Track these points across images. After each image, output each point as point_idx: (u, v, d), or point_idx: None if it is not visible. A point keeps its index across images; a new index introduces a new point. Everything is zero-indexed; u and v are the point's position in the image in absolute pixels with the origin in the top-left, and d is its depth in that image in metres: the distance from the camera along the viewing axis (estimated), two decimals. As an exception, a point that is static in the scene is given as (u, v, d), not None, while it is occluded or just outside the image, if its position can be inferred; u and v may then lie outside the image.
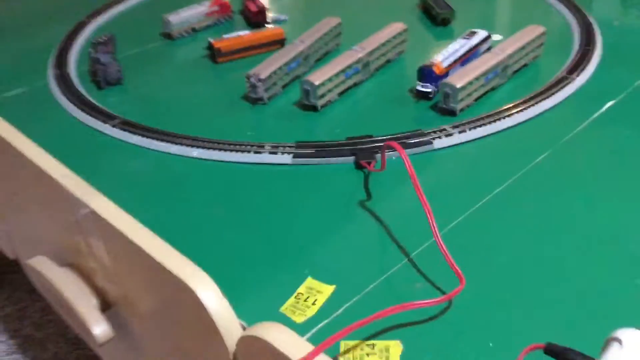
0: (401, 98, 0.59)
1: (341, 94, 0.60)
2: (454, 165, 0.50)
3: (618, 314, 0.35)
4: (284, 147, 0.52)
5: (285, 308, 0.37)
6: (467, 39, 0.62)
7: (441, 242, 0.37)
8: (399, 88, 0.61)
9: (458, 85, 0.54)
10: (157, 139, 0.54)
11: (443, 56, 0.59)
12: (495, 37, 0.66)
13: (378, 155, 0.49)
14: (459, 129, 0.52)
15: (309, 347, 0.30)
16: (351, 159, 0.50)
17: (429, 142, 0.51)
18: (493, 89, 0.59)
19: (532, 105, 0.55)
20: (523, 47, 0.60)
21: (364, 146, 0.51)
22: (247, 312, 0.36)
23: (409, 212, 0.44)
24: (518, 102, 0.56)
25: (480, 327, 0.35)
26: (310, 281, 0.39)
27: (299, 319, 0.36)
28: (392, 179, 0.48)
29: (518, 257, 0.40)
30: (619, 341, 0.28)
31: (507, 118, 0.54)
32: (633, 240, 0.41)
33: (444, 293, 0.37)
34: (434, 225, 0.38)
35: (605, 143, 0.51)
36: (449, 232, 0.42)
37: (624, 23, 0.73)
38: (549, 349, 0.30)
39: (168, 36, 0.75)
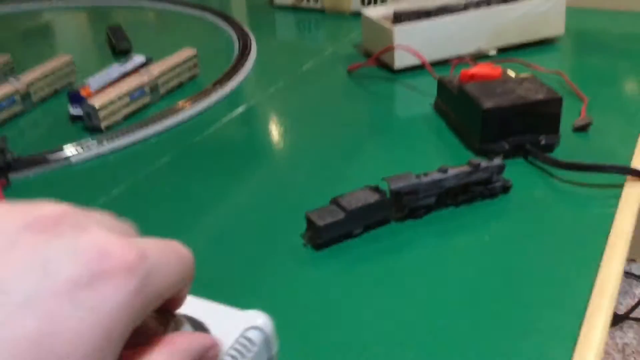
0: (60, 122, 0.64)
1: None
2: (90, 176, 0.55)
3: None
4: None
5: None
6: (122, 64, 0.69)
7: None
8: (61, 114, 0.65)
9: (97, 105, 0.60)
10: None
11: (94, 80, 0.65)
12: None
13: None
14: (98, 141, 0.58)
15: None
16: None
17: (67, 158, 0.56)
18: (146, 105, 0.66)
19: (168, 116, 0.62)
20: (172, 68, 0.68)
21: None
22: None
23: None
24: (159, 112, 0.63)
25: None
26: None
27: None
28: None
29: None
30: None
31: (144, 129, 0.60)
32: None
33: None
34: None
35: (231, 139, 0.61)
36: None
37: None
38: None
39: None
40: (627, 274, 1.18)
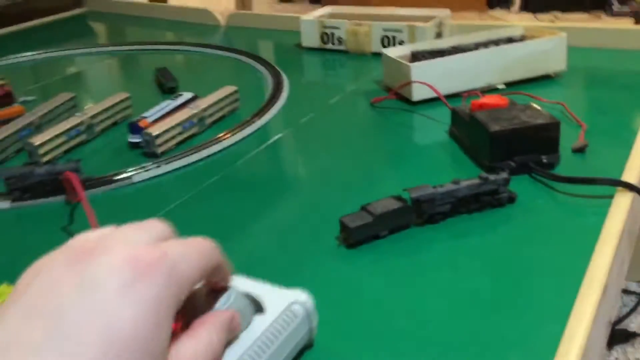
0: (120, 149, 0.73)
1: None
2: (150, 194, 0.64)
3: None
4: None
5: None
6: (174, 99, 0.78)
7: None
8: (120, 143, 0.75)
9: (154, 133, 0.69)
10: None
11: (150, 113, 0.74)
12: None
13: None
14: (157, 164, 0.67)
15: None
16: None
17: (129, 177, 0.65)
18: (194, 135, 0.75)
19: (216, 142, 0.72)
20: (216, 102, 0.78)
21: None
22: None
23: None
24: (207, 141, 0.72)
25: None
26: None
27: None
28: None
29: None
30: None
31: (194, 154, 0.69)
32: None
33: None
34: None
35: (270, 162, 0.69)
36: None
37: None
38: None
39: None
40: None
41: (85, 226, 0.51)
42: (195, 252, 0.30)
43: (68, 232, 0.56)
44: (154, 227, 0.30)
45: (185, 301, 0.29)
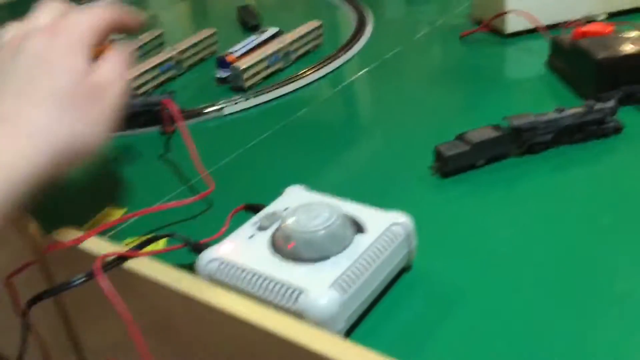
0: (208, 84, 0.74)
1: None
2: (240, 126, 0.64)
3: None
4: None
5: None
6: (259, 35, 0.78)
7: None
8: (207, 77, 0.75)
9: (242, 67, 0.69)
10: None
11: (236, 48, 0.74)
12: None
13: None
14: (245, 97, 0.67)
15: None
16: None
17: (220, 110, 0.66)
18: (280, 70, 0.75)
19: (303, 77, 0.71)
20: (301, 37, 0.77)
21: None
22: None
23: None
24: (292, 76, 0.72)
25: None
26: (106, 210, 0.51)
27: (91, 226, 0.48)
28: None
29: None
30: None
31: (283, 87, 0.69)
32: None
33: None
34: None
35: (357, 95, 0.68)
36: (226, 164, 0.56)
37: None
38: (249, 207, 0.44)
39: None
40: None
41: (181, 154, 0.53)
42: (88, 15, 0.42)
43: (165, 160, 0.58)
44: (51, 8, 0.43)
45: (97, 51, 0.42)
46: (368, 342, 0.31)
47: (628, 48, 0.55)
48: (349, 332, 0.35)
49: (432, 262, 0.40)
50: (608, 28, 0.62)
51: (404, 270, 0.40)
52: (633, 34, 0.58)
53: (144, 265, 0.38)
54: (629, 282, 0.37)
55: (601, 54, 0.55)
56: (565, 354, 0.33)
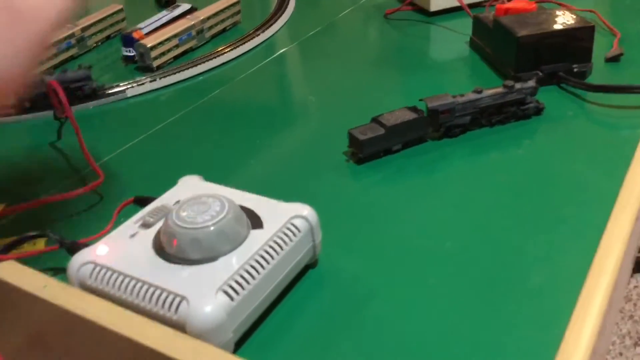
0: (114, 64, 0.68)
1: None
2: (145, 109, 0.59)
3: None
4: None
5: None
6: (170, 10, 0.72)
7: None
8: (115, 57, 0.69)
9: (149, 45, 0.63)
10: None
11: (144, 24, 0.68)
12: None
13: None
14: (151, 78, 0.62)
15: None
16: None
17: (123, 92, 0.60)
18: (192, 49, 0.69)
19: (217, 56, 0.66)
20: (216, 14, 0.72)
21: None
22: None
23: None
24: (206, 54, 0.67)
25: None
26: None
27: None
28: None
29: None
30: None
31: (191, 68, 0.64)
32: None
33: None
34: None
35: (273, 77, 0.64)
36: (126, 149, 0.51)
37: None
38: (138, 200, 0.40)
39: None
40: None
41: (75, 142, 0.48)
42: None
43: (55, 148, 0.53)
44: None
45: None
46: (261, 356, 0.27)
47: (551, 26, 0.53)
48: (240, 344, 0.31)
49: (342, 257, 0.37)
50: (531, 5, 0.60)
51: (308, 267, 0.36)
52: (557, 12, 0.56)
53: (9, 271, 0.33)
54: (543, 275, 0.35)
55: (522, 31, 0.52)
56: (481, 349, 0.30)
